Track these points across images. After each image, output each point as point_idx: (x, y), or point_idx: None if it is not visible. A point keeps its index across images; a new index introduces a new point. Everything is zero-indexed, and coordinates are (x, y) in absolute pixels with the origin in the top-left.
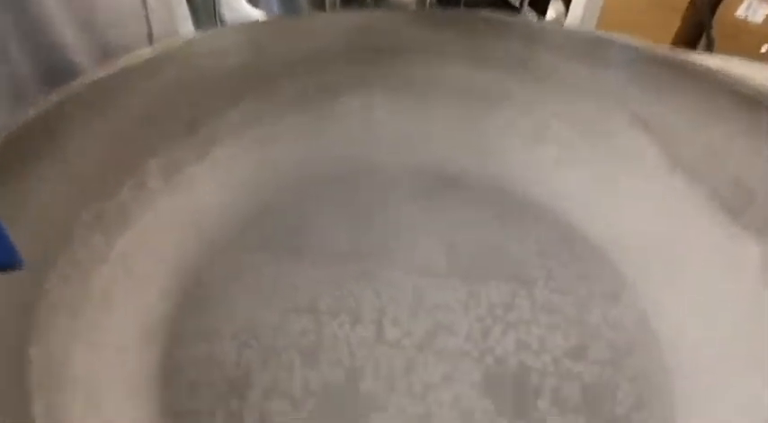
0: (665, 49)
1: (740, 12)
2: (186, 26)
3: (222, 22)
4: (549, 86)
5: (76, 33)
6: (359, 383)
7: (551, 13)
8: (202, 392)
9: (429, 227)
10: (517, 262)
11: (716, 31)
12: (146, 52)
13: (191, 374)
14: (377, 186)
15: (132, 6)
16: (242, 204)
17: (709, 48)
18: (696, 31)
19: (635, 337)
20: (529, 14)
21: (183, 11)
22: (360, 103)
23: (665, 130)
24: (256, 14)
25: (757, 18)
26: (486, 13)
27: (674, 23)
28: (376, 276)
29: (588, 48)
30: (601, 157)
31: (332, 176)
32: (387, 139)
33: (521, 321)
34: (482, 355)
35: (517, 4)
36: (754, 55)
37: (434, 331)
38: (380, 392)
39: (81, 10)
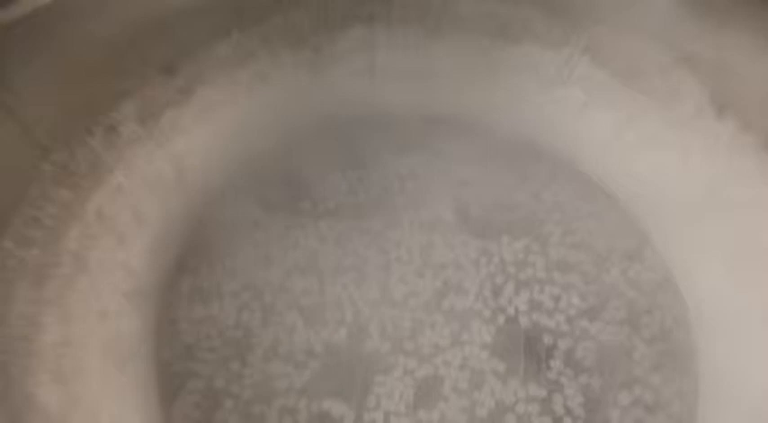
0: None
1: None
2: None
3: None
4: (577, 17)
5: None
6: (364, 345)
7: None
8: (201, 355)
9: (437, 178)
10: (531, 216)
11: None
12: None
13: (188, 337)
14: (380, 133)
15: None
16: (232, 153)
17: None
18: None
19: (655, 296)
20: None
21: None
22: (361, 40)
23: (713, 69)
24: None
25: None
26: None
27: None
28: (380, 232)
29: None
30: (633, 101)
31: (331, 122)
32: (391, 81)
33: (534, 280)
34: (493, 314)
35: None
36: None
37: (443, 290)
38: (386, 354)
39: None
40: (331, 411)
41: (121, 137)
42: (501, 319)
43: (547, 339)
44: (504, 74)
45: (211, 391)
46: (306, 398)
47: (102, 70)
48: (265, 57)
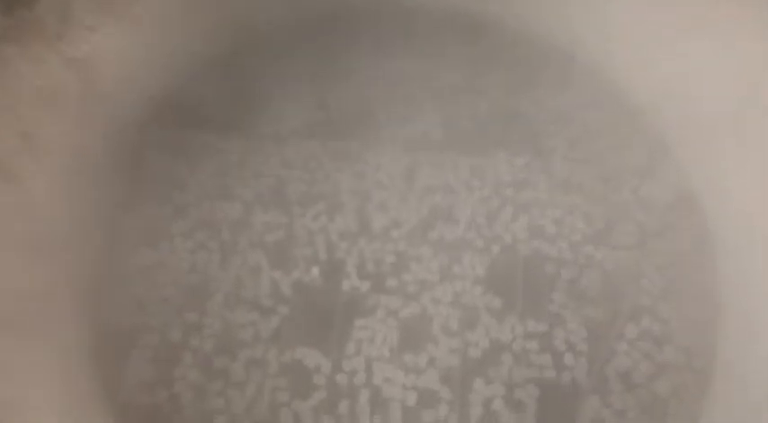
0: None
1: None
2: None
3: None
4: None
5: None
6: (339, 284)
7: None
8: (152, 307)
9: (422, 86)
10: (532, 128)
11: None
12: None
13: (134, 287)
14: (355, 34)
15: None
16: (163, 61)
17: None
18: None
19: (669, 217)
20: None
21: None
22: None
23: None
24: None
25: None
26: None
27: None
28: (356, 153)
29: None
30: None
31: (291, 19)
32: None
33: (534, 202)
34: (488, 244)
35: None
36: None
37: (430, 218)
38: (366, 293)
39: None
40: (304, 361)
41: None
42: (496, 249)
43: (548, 269)
44: None
45: (167, 345)
46: (275, 347)
47: None
48: None
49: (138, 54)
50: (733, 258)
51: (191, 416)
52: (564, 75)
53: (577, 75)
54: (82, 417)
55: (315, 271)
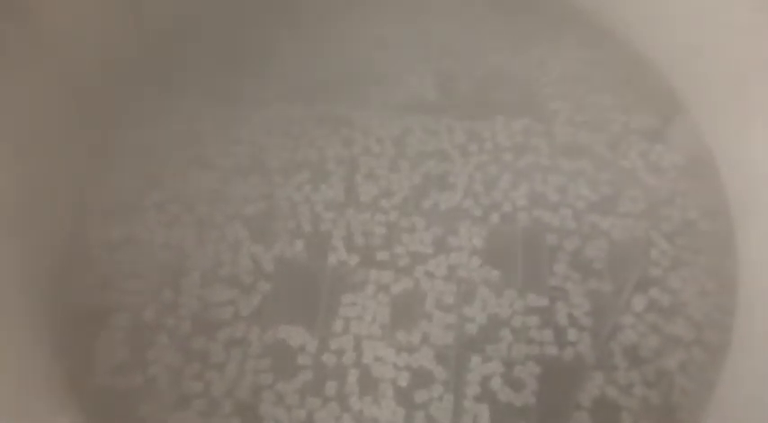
0: None
1: None
2: None
3: None
4: None
5: None
6: (325, 259)
7: None
8: (124, 285)
9: (413, 45)
10: (533, 89)
11: None
12: None
13: (104, 264)
14: None
15: None
16: (136, 14)
17: None
18: None
19: (680, 182)
20: None
21: None
22: None
23: None
24: None
25: None
26: None
27: None
28: (343, 118)
29: None
30: None
31: None
32: None
33: (536, 168)
34: (485, 213)
35: None
36: None
37: (423, 186)
38: (354, 268)
39: None
40: (288, 340)
41: None
42: (495, 218)
43: (550, 239)
44: None
45: (140, 325)
46: (257, 326)
47: None
48: None
49: (93, 6)
50: (750, 225)
51: (167, 400)
52: (567, 31)
53: (582, 31)
54: (50, 403)
55: (298, 245)
